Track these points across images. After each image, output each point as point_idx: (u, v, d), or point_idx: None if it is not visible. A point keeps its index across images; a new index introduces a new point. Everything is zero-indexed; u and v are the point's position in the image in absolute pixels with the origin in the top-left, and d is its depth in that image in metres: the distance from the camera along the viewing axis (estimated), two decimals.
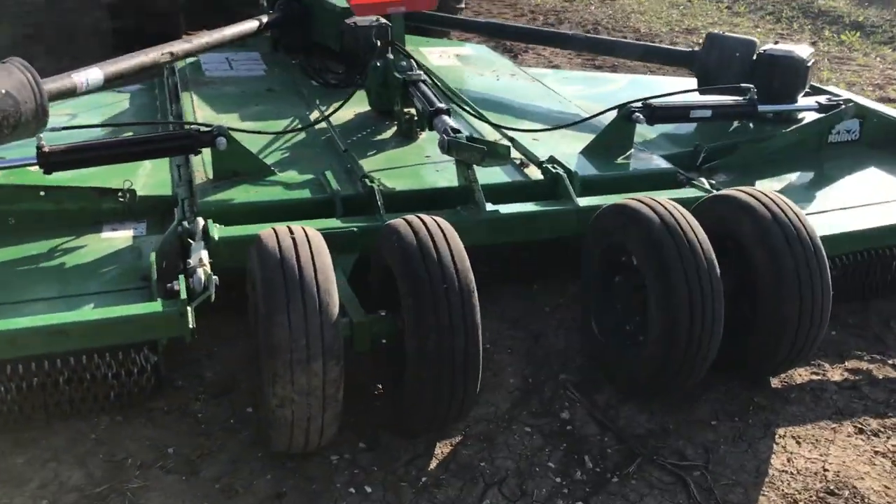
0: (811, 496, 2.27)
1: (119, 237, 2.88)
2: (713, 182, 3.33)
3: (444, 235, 2.29)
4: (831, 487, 2.30)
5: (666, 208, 2.50)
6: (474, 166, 2.91)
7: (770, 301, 2.50)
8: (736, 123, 3.96)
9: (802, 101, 3.93)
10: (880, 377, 2.81)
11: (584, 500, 2.24)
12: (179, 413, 2.48)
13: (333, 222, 2.77)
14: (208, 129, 3.03)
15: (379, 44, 3.63)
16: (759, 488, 2.29)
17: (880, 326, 3.10)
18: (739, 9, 8.40)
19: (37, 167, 2.84)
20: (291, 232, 2.23)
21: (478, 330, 2.20)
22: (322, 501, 2.19)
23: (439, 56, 4.93)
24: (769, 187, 3.48)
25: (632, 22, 8.04)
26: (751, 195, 2.64)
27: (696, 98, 3.77)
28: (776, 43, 4.09)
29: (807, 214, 3.03)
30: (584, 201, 2.98)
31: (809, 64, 3.86)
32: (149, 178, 3.19)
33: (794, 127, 3.80)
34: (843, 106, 3.79)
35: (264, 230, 2.26)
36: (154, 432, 2.41)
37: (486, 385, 2.67)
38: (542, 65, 6.47)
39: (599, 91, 4.62)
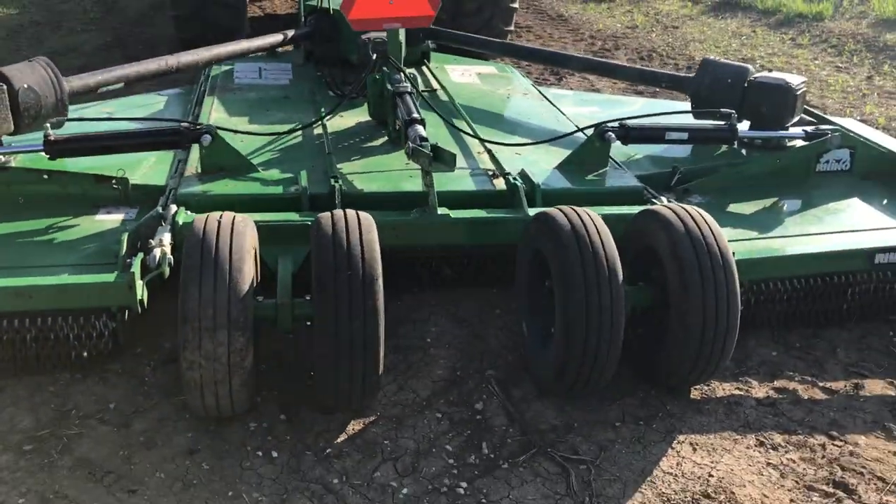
0: (686, 497, 2.37)
1: (110, 220, 3.21)
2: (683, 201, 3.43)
3: (360, 228, 2.50)
4: (709, 491, 2.39)
5: (580, 217, 2.66)
6: (435, 174, 3.12)
7: (677, 311, 2.62)
8: (724, 148, 4.02)
9: (794, 129, 3.97)
10: (804, 397, 2.86)
11: (470, 481, 2.41)
12: (129, 375, 2.78)
13: (287, 215, 3.02)
14: (198, 127, 3.35)
15: (374, 57, 3.88)
16: (637, 486, 2.40)
17: (825, 352, 3.14)
18: (802, 41, 8.31)
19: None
20: (220, 218, 2.49)
21: (378, 315, 2.40)
22: (229, 460, 2.43)
23: (461, 74, 5.15)
24: (741, 209, 3.59)
25: (689, 50, 8.08)
26: (671, 210, 2.77)
27: (674, 121, 3.87)
28: (770, 71, 4.14)
29: (762, 237, 3.16)
30: (533, 211, 3.14)
31: (799, 92, 3.90)
32: (150, 169, 3.53)
33: (776, 153, 3.86)
34: (829, 135, 3.82)
35: (199, 216, 2.54)
36: (103, 389, 2.70)
37: (414, 374, 2.87)
38: (585, 88, 6.60)
39: (612, 113, 4.71)
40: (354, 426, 2.60)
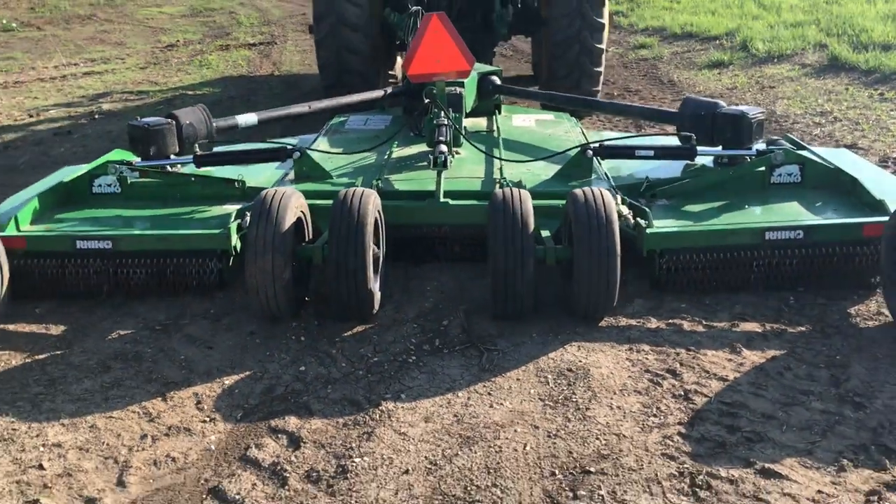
0: (553, 368, 3.51)
1: (231, 208, 4.77)
2: (647, 203, 4.54)
3: (361, 199, 3.90)
4: (572, 368, 3.52)
5: (513, 192, 3.91)
6: (457, 179, 4.54)
7: (575, 257, 3.79)
8: (698, 163, 5.06)
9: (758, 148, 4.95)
10: (686, 330, 3.88)
11: (418, 357, 3.67)
12: (226, 298, 4.28)
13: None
14: (293, 146, 4.92)
15: (426, 101, 5.32)
16: (524, 363, 3.57)
17: (724, 306, 4.09)
18: (889, 95, 8.92)
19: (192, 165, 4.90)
20: (275, 189, 3.98)
21: (365, 248, 3.76)
22: (273, 339, 3.85)
23: (522, 120, 6.46)
24: (692, 208, 4.62)
25: (775, 106, 8.91)
26: (583, 192, 3.94)
27: (642, 141, 4.99)
28: (737, 104, 5.16)
29: (693, 224, 4.21)
30: None
31: (754, 120, 4.89)
32: (262, 176, 5.10)
33: (729, 167, 4.87)
34: (774, 152, 4.79)
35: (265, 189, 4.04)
36: (209, 303, 4.22)
37: (408, 304, 4.18)
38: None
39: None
40: (356, 328, 3.94)
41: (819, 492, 2.71)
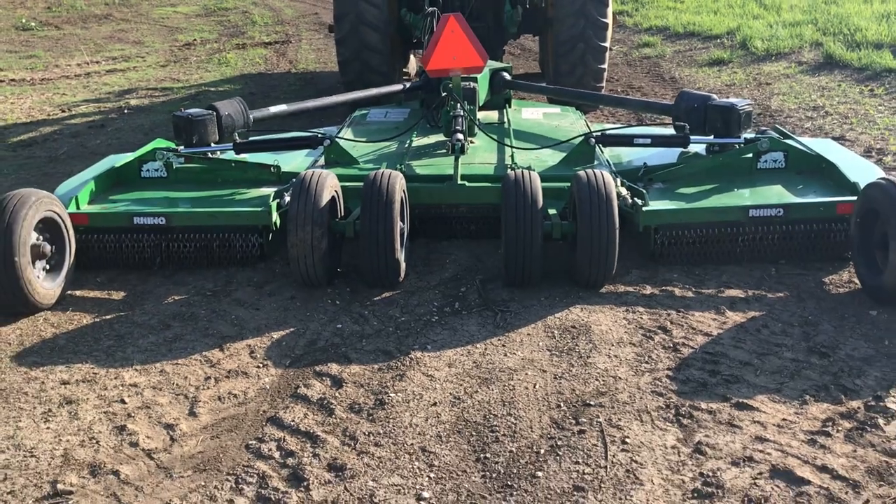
0: (558, 325, 4.01)
1: (268, 191, 5.26)
2: (644, 186, 5.03)
3: (389, 180, 4.41)
4: (576, 324, 4.02)
5: (524, 174, 4.41)
6: (473, 164, 5.04)
7: (578, 230, 4.29)
8: (691, 151, 5.55)
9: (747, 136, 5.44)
10: (678, 296, 4.38)
11: (441, 317, 4.17)
12: (267, 269, 4.79)
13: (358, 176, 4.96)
14: (323, 135, 5.43)
15: (444, 94, 5.82)
16: (533, 321, 4.08)
17: (713, 276, 4.59)
18: (878, 91, 9.39)
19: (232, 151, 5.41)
20: (313, 171, 4.49)
21: (393, 223, 4.27)
22: (312, 302, 4.36)
23: (531, 113, 6.95)
24: (684, 191, 5.11)
25: (770, 101, 9.40)
26: (586, 174, 4.44)
27: (640, 130, 5.49)
28: (728, 97, 5.65)
29: (685, 203, 4.70)
30: None
31: (742, 111, 5.38)
32: (296, 162, 5.61)
33: (719, 154, 5.36)
34: (760, 140, 5.29)
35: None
36: (252, 273, 4.73)
37: (430, 273, 4.68)
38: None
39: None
40: (385, 294, 4.45)
41: (784, 419, 3.21)
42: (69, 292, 4.51)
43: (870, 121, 8.21)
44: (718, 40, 13.19)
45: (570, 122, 6.58)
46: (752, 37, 12.59)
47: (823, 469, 2.91)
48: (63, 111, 10.19)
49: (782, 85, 10.25)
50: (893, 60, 10.20)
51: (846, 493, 2.79)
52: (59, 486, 2.91)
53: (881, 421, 3.18)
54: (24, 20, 19.00)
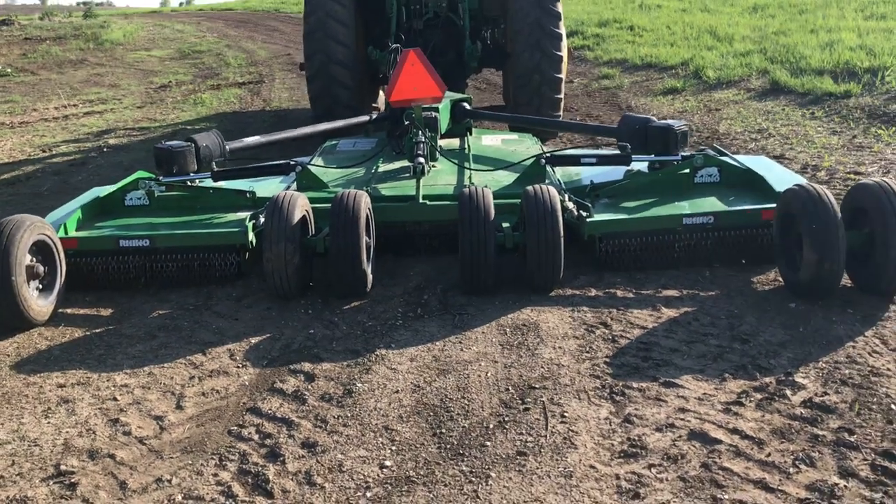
0: (509, 324, 4.44)
1: (244, 215, 5.69)
2: (590, 201, 5.49)
3: (355, 199, 4.84)
4: (526, 322, 4.45)
5: (478, 190, 4.86)
6: (434, 185, 5.48)
7: (526, 240, 4.74)
8: (635, 169, 6.03)
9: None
10: (619, 296, 4.82)
11: (404, 321, 4.58)
12: (244, 285, 5.19)
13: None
14: (295, 163, 5.86)
15: (406, 122, 6.29)
16: (487, 321, 4.49)
17: (652, 279, 5.04)
18: (819, 113, 10.00)
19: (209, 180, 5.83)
20: (285, 192, 4.92)
21: (359, 238, 4.70)
22: (287, 312, 4.75)
23: (490, 140, 7.44)
24: (627, 204, 5.57)
25: (718, 126, 9.97)
26: (534, 189, 4.89)
27: (586, 151, 5.99)
28: (664, 118, 6.16)
29: (626, 214, 5.16)
30: None
31: (679, 131, 5.88)
32: (277, 187, 6.03)
33: (658, 171, 5.85)
34: (694, 157, 5.79)
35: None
36: (231, 289, 5.13)
37: (395, 285, 5.10)
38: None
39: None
40: (353, 302, 4.86)
41: (704, 393, 3.65)
42: (61, 310, 4.87)
43: (809, 140, 8.79)
44: (673, 71, 13.86)
45: (526, 147, 7.06)
46: (705, 66, 13.26)
47: (734, 431, 3.34)
48: (44, 151, 10.57)
49: (731, 110, 10.85)
50: (833, 85, 10.85)
51: (752, 448, 3.22)
52: (63, 468, 3.27)
53: (788, 392, 3.62)
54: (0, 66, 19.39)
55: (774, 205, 4.99)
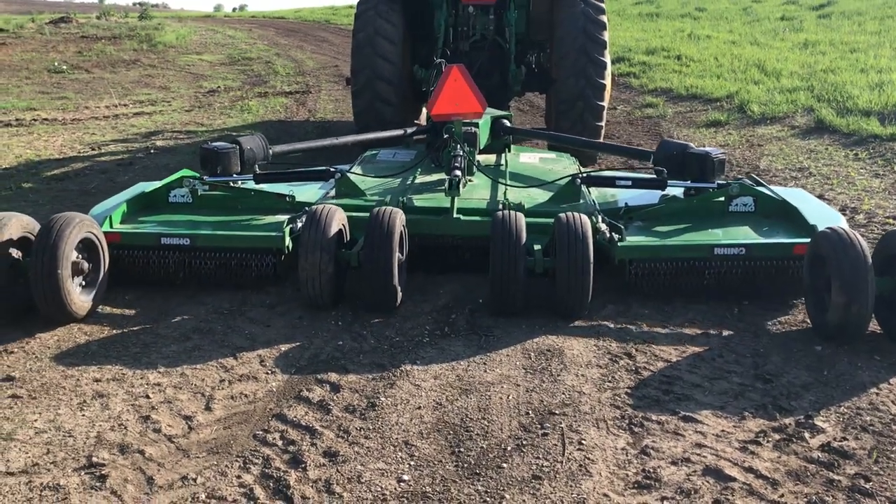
0: (535, 348, 4.50)
1: (283, 217, 5.79)
2: (623, 224, 5.54)
3: (390, 216, 4.95)
4: (552, 348, 4.50)
5: (510, 214, 4.94)
6: (468, 199, 5.57)
7: (556, 266, 4.80)
8: (670, 194, 6.06)
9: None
10: (645, 329, 4.84)
11: (431, 338, 4.67)
12: (279, 291, 5.31)
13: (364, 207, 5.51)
14: (335, 170, 6.00)
15: (446, 136, 6.39)
16: (513, 344, 4.57)
17: (680, 312, 5.08)
18: (862, 155, 9.94)
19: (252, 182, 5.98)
20: (323, 205, 5.04)
21: (391, 254, 4.80)
22: (318, 322, 4.86)
23: (528, 158, 7.51)
24: (660, 228, 5.59)
25: (759, 161, 9.95)
26: (566, 216, 4.95)
27: (622, 174, 6.04)
28: (704, 146, 6.19)
29: (659, 240, 5.19)
30: None
31: (716, 159, 5.90)
32: (310, 192, 6.17)
33: (693, 197, 5.88)
34: (730, 185, 5.81)
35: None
36: (265, 295, 5.25)
37: (425, 302, 5.18)
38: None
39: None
40: (383, 317, 4.96)
41: (722, 430, 3.68)
42: (100, 308, 5.03)
43: (850, 182, 8.74)
44: (718, 103, 13.83)
45: (563, 166, 7.12)
46: (750, 101, 13.22)
47: (749, 470, 3.37)
48: (93, 149, 10.85)
49: (773, 147, 10.81)
50: (880, 127, 10.77)
51: (765, 488, 3.25)
52: (94, 460, 3.40)
53: (807, 434, 3.64)
54: (55, 63, 19.93)
55: (807, 239, 5.00)
